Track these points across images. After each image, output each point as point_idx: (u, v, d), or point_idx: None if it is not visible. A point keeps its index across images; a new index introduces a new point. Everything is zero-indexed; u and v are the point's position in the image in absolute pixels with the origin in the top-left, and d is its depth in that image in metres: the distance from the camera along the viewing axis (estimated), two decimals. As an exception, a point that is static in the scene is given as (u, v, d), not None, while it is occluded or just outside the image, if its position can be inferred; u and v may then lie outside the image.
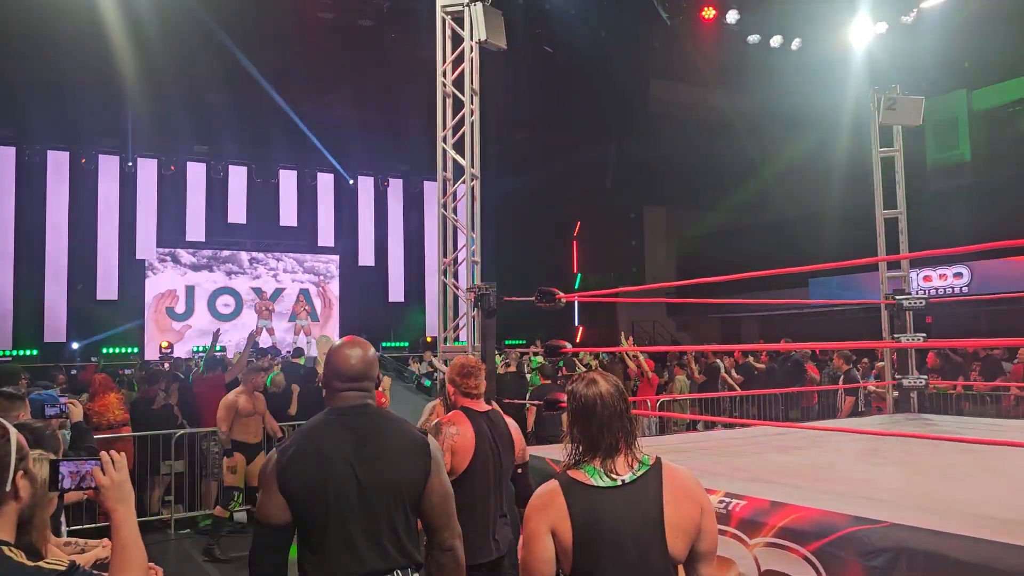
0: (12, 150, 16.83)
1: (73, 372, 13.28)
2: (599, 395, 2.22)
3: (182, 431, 8.22)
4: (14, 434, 1.91)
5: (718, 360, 11.88)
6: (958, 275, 16.08)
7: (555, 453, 4.86)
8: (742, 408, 10.68)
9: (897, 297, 7.07)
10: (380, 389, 9.24)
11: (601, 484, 2.15)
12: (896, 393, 7.24)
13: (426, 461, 2.42)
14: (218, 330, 11.77)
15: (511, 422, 3.83)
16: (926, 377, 7.33)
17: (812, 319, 19.29)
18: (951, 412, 8.93)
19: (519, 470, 3.87)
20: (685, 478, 2.22)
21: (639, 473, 2.16)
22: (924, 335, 7.08)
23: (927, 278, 16.47)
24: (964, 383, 9.99)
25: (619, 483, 2.14)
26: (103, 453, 2.03)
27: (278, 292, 19.71)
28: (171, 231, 18.63)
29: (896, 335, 7.08)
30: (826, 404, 10.59)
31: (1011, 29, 17.01)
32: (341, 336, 15.51)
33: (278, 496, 2.29)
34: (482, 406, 3.70)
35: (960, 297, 15.51)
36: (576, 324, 21.78)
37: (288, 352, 14.92)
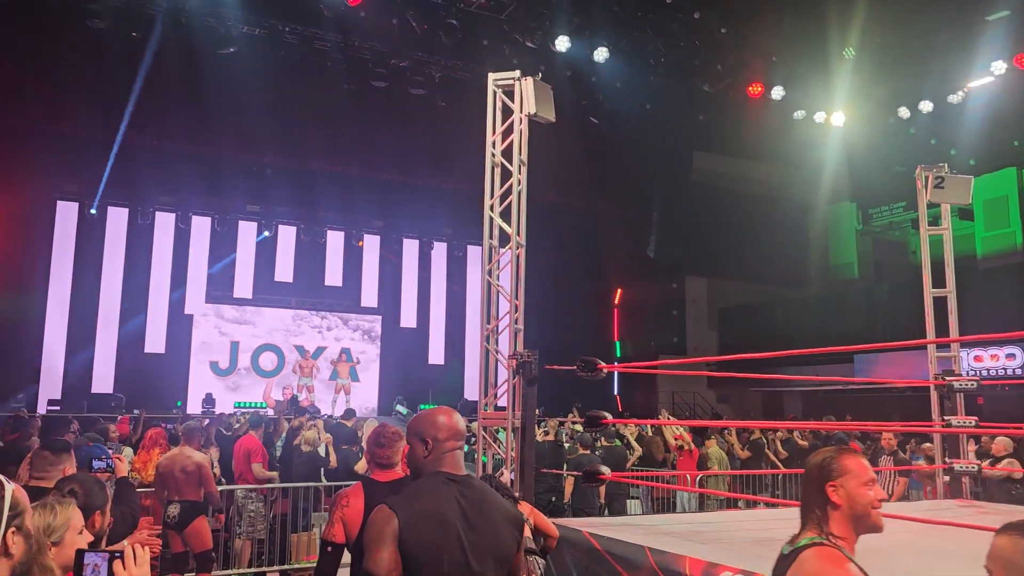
0: (75, 205, 17.52)
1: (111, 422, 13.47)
2: (809, 463, 2.28)
3: (219, 487, 8.25)
4: (9, 490, 1.93)
5: (761, 435, 11.64)
6: (1011, 356, 15.63)
7: (594, 527, 4.79)
8: (784, 487, 10.41)
9: (947, 378, 6.91)
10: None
11: (781, 551, 2.23)
12: (947, 478, 7.01)
13: (520, 533, 2.52)
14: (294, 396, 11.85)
15: None
16: (979, 463, 7.10)
17: (857, 397, 18.85)
18: (1004, 500, 8.58)
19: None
20: (809, 570, 2.09)
21: (789, 551, 2.16)
22: (976, 419, 6.87)
23: (978, 358, 16.04)
24: (1019, 471, 9.61)
25: (782, 553, 2.20)
26: (127, 547, 2.06)
27: (320, 350, 19.92)
28: (219, 287, 19.08)
29: (946, 417, 6.89)
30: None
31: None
32: (380, 395, 15.58)
33: (395, 552, 2.34)
34: (389, 475, 3.61)
35: (1013, 380, 15.06)
36: (616, 393, 21.55)
37: (327, 415, 15.01)
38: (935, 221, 7.90)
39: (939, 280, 7.64)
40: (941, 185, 7.51)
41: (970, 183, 7.60)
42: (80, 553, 2.03)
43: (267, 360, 19.51)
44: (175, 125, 15.48)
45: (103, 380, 17.21)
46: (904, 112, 16.34)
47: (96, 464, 4.62)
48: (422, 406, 19.41)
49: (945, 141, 17.77)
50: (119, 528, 4.12)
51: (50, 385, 16.61)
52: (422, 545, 2.35)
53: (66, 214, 17.48)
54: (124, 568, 2.00)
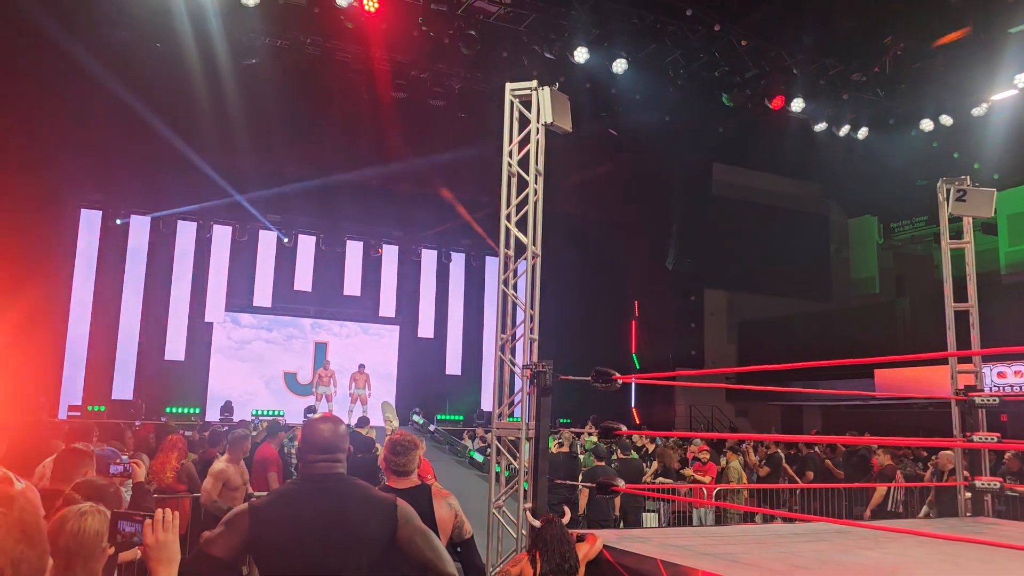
0: (99, 213, 17.76)
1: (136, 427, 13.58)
2: None
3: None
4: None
5: (779, 450, 11.52)
6: (1035, 372, 15.39)
7: (606, 538, 4.74)
8: (804, 501, 10.28)
9: (969, 394, 6.80)
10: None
11: None
12: (968, 495, 6.89)
13: (392, 520, 2.65)
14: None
15: (440, 502, 3.82)
16: (1001, 480, 6.97)
17: (877, 412, 18.62)
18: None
19: (458, 548, 3.90)
20: None
21: None
22: (999, 435, 6.75)
23: (1001, 374, 15.80)
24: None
25: None
26: (157, 511, 2.11)
27: (338, 359, 19.95)
28: (239, 296, 19.23)
29: (968, 433, 6.78)
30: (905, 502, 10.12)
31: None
32: (397, 405, 15.57)
33: (237, 538, 2.50)
34: (405, 483, 3.79)
35: (1037, 396, 14.79)
36: (632, 405, 21.44)
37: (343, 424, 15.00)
38: (958, 235, 7.78)
39: (961, 295, 7.52)
40: (963, 198, 7.40)
41: (993, 196, 7.48)
42: (115, 516, 2.17)
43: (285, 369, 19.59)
44: (198, 135, 15.63)
45: (123, 386, 17.37)
46: (927, 125, 16.18)
47: (113, 468, 4.67)
48: (439, 416, 19.41)
49: (968, 155, 17.58)
50: (133, 532, 4.15)
51: (72, 391, 16.79)
52: (271, 535, 2.50)
53: (90, 222, 17.73)
54: (153, 532, 2.09)
